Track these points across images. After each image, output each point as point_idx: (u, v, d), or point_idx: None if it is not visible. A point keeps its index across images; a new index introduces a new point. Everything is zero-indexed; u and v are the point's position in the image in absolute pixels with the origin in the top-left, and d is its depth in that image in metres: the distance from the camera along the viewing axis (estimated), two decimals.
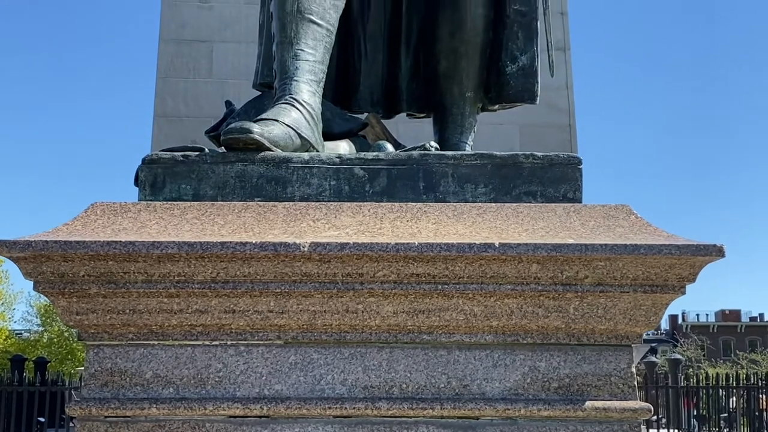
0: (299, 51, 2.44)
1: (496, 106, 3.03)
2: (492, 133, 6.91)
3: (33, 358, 14.79)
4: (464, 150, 2.89)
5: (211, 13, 7.87)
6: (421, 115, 3.11)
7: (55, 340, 34.06)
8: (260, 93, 2.80)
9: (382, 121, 2.99)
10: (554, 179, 2.23)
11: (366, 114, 2.94)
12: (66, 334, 32.85)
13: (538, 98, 2.88)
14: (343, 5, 2.57)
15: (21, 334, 38.17)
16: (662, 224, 2.05)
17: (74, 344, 32.47)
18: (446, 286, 1.97)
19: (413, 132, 4.21)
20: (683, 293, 1.98)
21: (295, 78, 2.42)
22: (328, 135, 2.58)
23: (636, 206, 2.12)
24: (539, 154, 2.26)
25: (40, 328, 35.80)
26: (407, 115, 3.13)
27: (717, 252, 1.92)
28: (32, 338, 35.99)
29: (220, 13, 7.87)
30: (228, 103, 2.79)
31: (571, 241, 1.96)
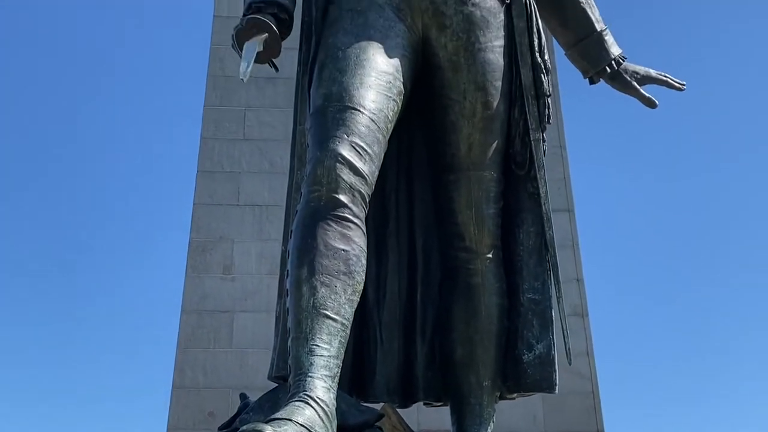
0: (314, 347, 2.44)
1: (515, 395, 2.99)
2: (515, 401, 6.79)
3: None
4: None
5: (233, 284, 8.05)
6: (439, 404, 3.07)
7: None
8: (276, 385, 2.78)
9: (398, 410, 2.94)
10: None
11: (382, 404, 2.90)
12: None
13: (557, 387, 2.85)
14: (358, 299, 2.61)
15: None
16: None
17: None
18: None
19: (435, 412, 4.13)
20: None
21: (309, 374, 2.40)
22: (344, 427, 2.52)
23: None
24: None
25: None
26: (424, 403, 3.08)
27: None
28: None
29: (242, 284, 8.06)
30: (242, 396, 2.76)
31: None
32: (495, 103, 2.97)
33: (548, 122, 3.04)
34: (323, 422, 2.33)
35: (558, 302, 2.91)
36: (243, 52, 2.84)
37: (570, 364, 2.85)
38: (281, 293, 2.87)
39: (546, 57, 3.06)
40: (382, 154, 2.75)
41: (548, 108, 3.04)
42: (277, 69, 3.02)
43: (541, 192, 2.98)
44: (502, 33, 3.02)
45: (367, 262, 2.66)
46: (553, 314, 2.93)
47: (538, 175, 2.99)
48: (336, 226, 2.58)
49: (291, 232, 2.69)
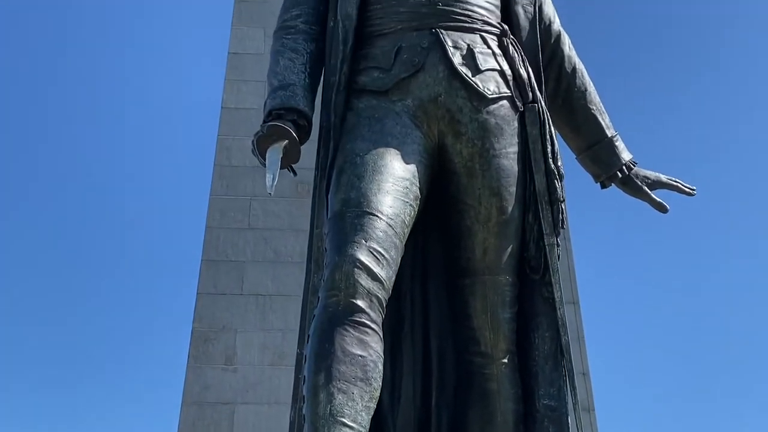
0: None
1: None
2: None
3: None
4: None
5: (235, 375, 7.97)
6: None
7: None
8: None
9: None
10: None
11: None
12: None
13: None
14: (375, 406, 2.59)
15: None
16: None
17: None
18: None
19: None
20: None
21: None
22: None
23: None
24: None
25: None
26: None
27: None
28: None
29: (244, 375, 7.98)
30: None
31: None
32: (510, 208, 3.00)
33: (562, 227, 3.07)
34: None
35: (574, 409, 2.89)
36: (267, 162, 2.88)
37: None
38: (296, 398, 2.85)
39: (559, 163, 3.11)
40: (399, 259, 2.77)
41: (562, 213, 3.07)
42: (295, 173, 3.07)
43: (555, 296, 2.99)
44: (516, 140, 3.07)
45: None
46: (569, 421, 2.90)
47: (552, 280, 3.00)
48: (353, 332, 2.58)
49: (308, 336, 2.69)
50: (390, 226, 2.74)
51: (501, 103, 3.08)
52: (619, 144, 3.40)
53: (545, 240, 3.02)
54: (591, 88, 3.43)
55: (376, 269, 2.65)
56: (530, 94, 3.15)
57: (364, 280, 2.62)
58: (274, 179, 2.81)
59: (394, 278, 2.74)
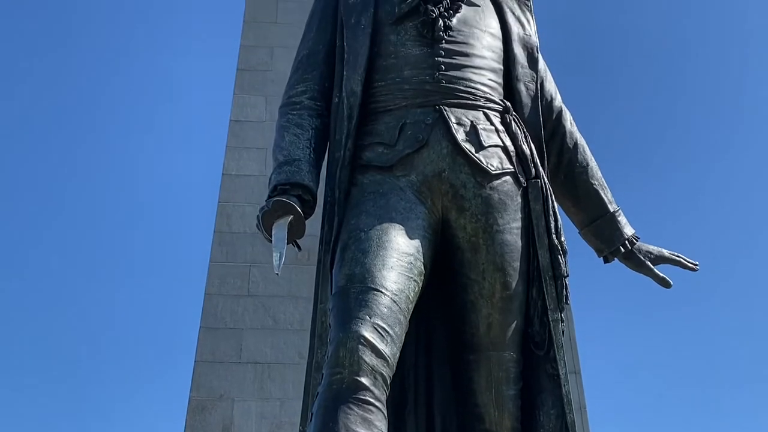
0: None
1: None
2: None
3: None
4: None
5: None
6: None
7: None
8: None
9: None
10: None
11: None
12: None
13: None
14: None
15: None
16: None
17: None
18: None
19: None
20: None
21: None
22: None
23: None
24: None
25: None
26: None
27: None
28: None
29: None
30: None
31: None
32: (513, 284, 3.00)
33: (566, 302, 3.06)
34: None
35: None
36: (273, 239, 2.89)
37: None
38: None
39: (563, 239, 3.12)
40: (404, 335, 2.76)
41: (566, 289, 3.07)
42: (300, 248, 3.07)
43: (560, 373, 2.96)
44: (519, 215, 3.08)
45: None
46: None
47: (557, 356, 2.98)
48: (357, 410, 2.56)
49: (311, 414, 2.66)
50: (394, 302, 2.73)
51: (504, 178, 3.10)
52: (622, 219, 3.42)
53: (549, 316, 3.01)
54: (593, 163, 3.46)
55: (381, 346, 2.63)
56: (533, 170, 3.17)
57: (368, 357, 2.60)
58: (281, 258, 2.81)
59: (398, 355, 2.72)
